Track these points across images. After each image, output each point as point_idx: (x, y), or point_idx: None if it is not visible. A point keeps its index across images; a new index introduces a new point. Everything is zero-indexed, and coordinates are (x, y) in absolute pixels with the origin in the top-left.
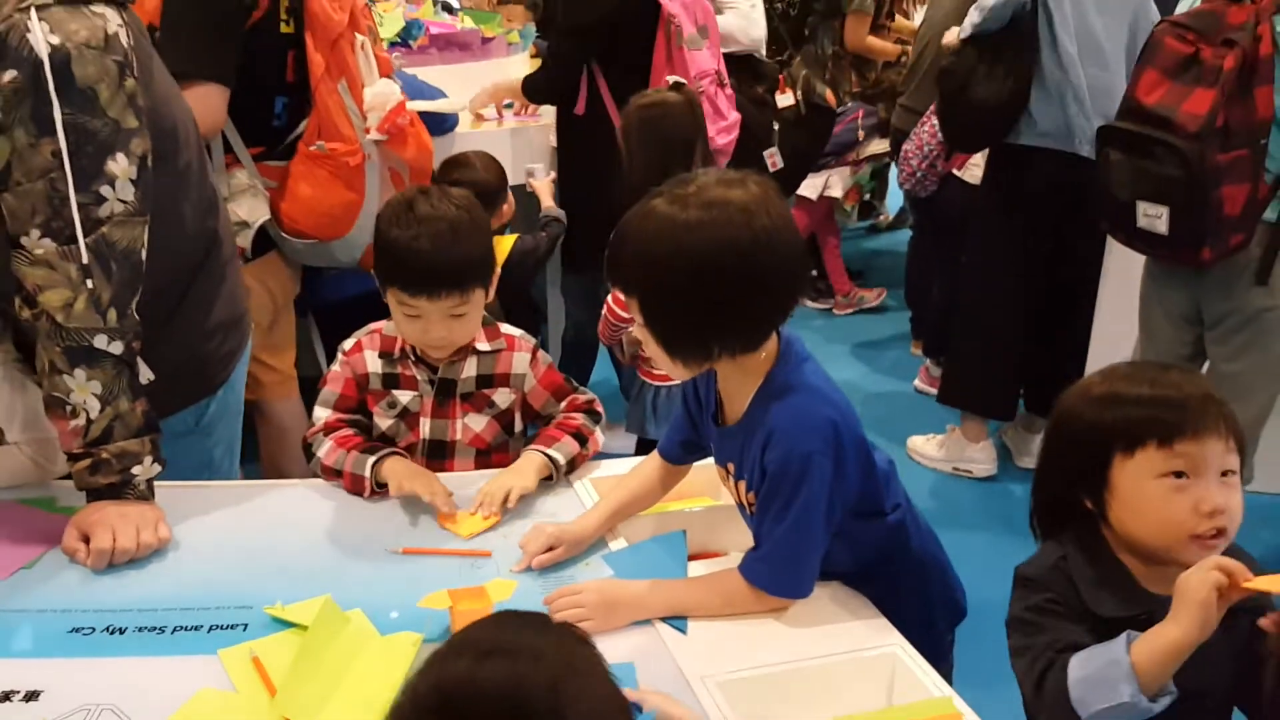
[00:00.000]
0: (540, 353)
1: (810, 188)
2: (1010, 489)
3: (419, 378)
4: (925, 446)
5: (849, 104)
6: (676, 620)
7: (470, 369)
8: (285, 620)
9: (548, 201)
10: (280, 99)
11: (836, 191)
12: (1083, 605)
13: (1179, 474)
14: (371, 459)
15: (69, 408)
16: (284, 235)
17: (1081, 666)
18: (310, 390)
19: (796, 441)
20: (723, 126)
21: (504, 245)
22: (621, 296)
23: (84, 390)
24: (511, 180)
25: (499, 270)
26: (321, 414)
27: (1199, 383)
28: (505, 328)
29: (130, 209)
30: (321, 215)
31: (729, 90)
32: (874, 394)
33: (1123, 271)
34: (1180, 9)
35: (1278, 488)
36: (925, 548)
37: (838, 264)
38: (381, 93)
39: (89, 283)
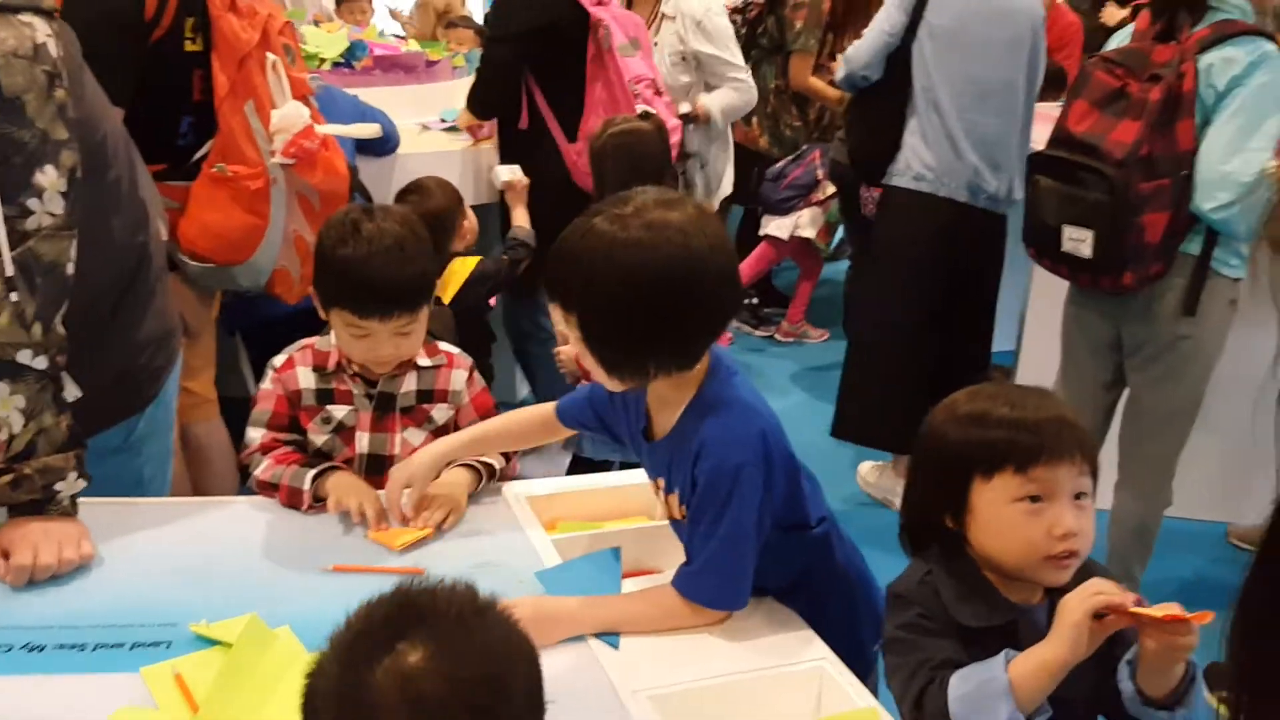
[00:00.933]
0: (476, 373)
1: (780, 228)
2: None
3: (355, 392)
4: (869, 473)
5: (805, 147)
6: (609, 635)
7: (410, 384)
8: (210, 638)
9: (521, 219)
10: (186, 118)
11: (808, 232)
12: (949, 618)
13: (1034, 498)
14: (312, 473)
15: None
16: (182, 257)
17: (961, 684)
18: (238, 410)
19: (728, 454)
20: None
21: (466, 266)
22: (560, 314)
23: (6, 405)
24: (468, 200)
25: (456, 295)
26: (255, 434)
27: (1054, 406)
28: (444, 345)
29: (58, 223)
30: (221, 239)
31: (666, 98)
32: (815, 420)
33: (1048, 299)
34: (1110, 46)
35: (1198, 513)
36: (850, 561)
37: (805, 296)
38: (288, 115)
39: (13, 297)
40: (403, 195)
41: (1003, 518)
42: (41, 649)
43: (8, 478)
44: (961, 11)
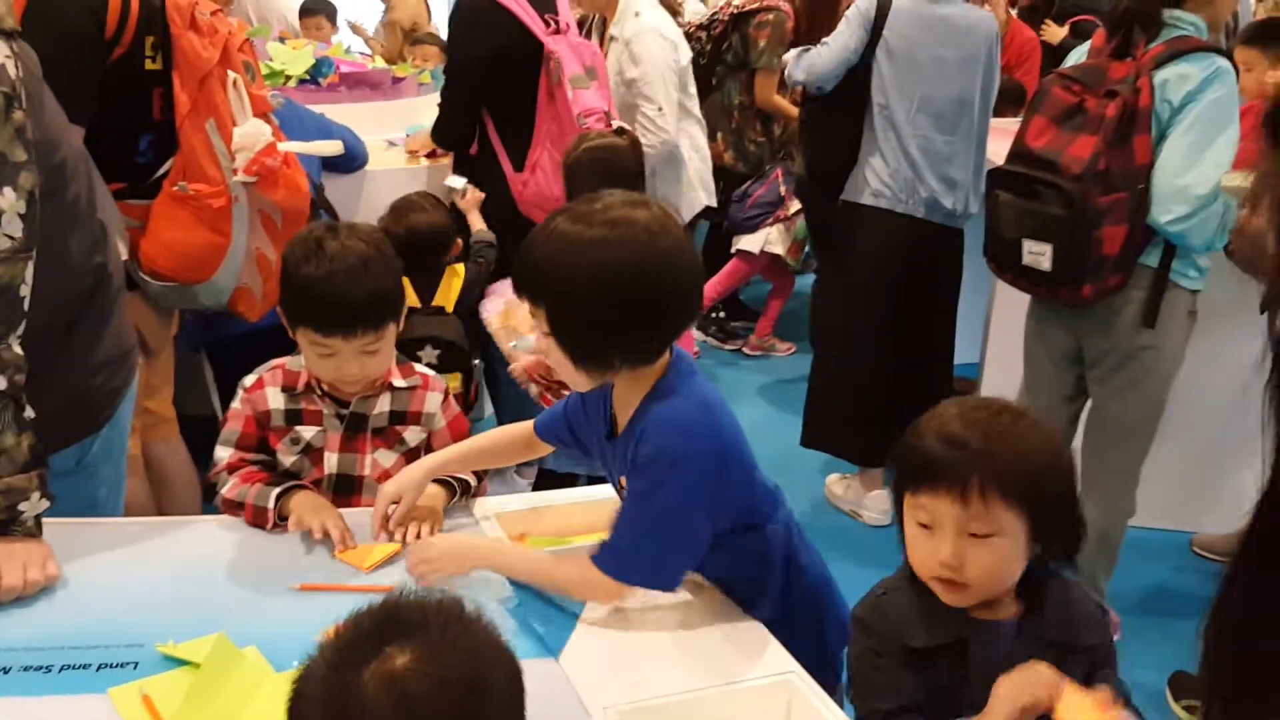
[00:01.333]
0: (451, 398)
1: (751, 243)
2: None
3: (325, 412)
4: (836, 485)
5: (768, 166)
6: (549, 647)
7: (384, 404)
8: (178, 658)
9: (478, 224)
10: (145, 136)
11: (778, 248)
12: (900, 640)
13: (924, 525)
14: (276, 491)
15: None
16: (143, 276)
17: None
18: (202, 428)
19: (666, 439)
20: None
21: (459, 274)
22: (529, 307)
23: None
24: None
25: (455, 303)
26: (223, 453)
27: (982, 435)
28: (419, 367)
29: (16, 245)
30: (183, 257)
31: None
32: (783, 432)
33: (1010, 312)
34: (1068, 63)
35: (1162, 522)
36: (813, 565)
37: (775, 311)
38: (250, 133)
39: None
40: (398, 213)
41: (909, 532)
42: (7, 671)
43: None
44: (915, 31)
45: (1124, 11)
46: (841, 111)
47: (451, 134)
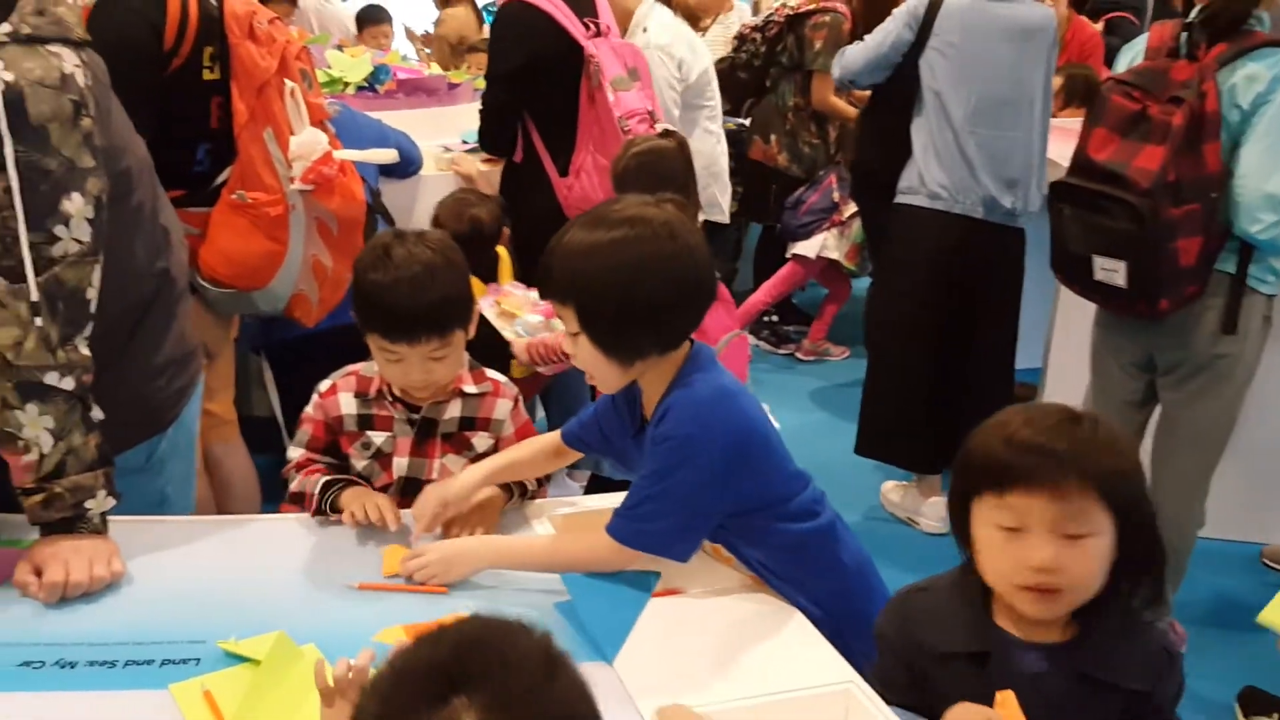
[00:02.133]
0: (520, 403)
1: (807, 248)
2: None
3: (396, 417)
4: (892, 492)
5: (820, 172)
6: (605, 650)
7: (454, 410)
8: (238, 655)
9: (489, 190)
10: (203, 145)
11: (835, 254)
12: (914, 649)
13: (1012, 528)
14: (324, 479)
15: (21, 443)
16: (202, 282)
17: None
18: (262, 429)
19: (683, 421)
20: None
21: (506, 264)
22: (555, 309)
23: (36, 425)
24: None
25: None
26: (294, 453)
27: (1072, 434)
28: (491, 373)
29: (84, 249)
30: (240, 265)
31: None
32: (837, 438)
33: (1074, 315)
34: (1119, 66)
35: (1230, 533)
36: (859, 556)
37: (830, 315)
38: (306, 142)
39: (38, 321)
40: (453, 212)
41: (985, 539)
42: (73, 666)
43: (39, 497)
44: (971, 27)
45: (1213, 14)
46: (900, 112)
47: (494, 138)
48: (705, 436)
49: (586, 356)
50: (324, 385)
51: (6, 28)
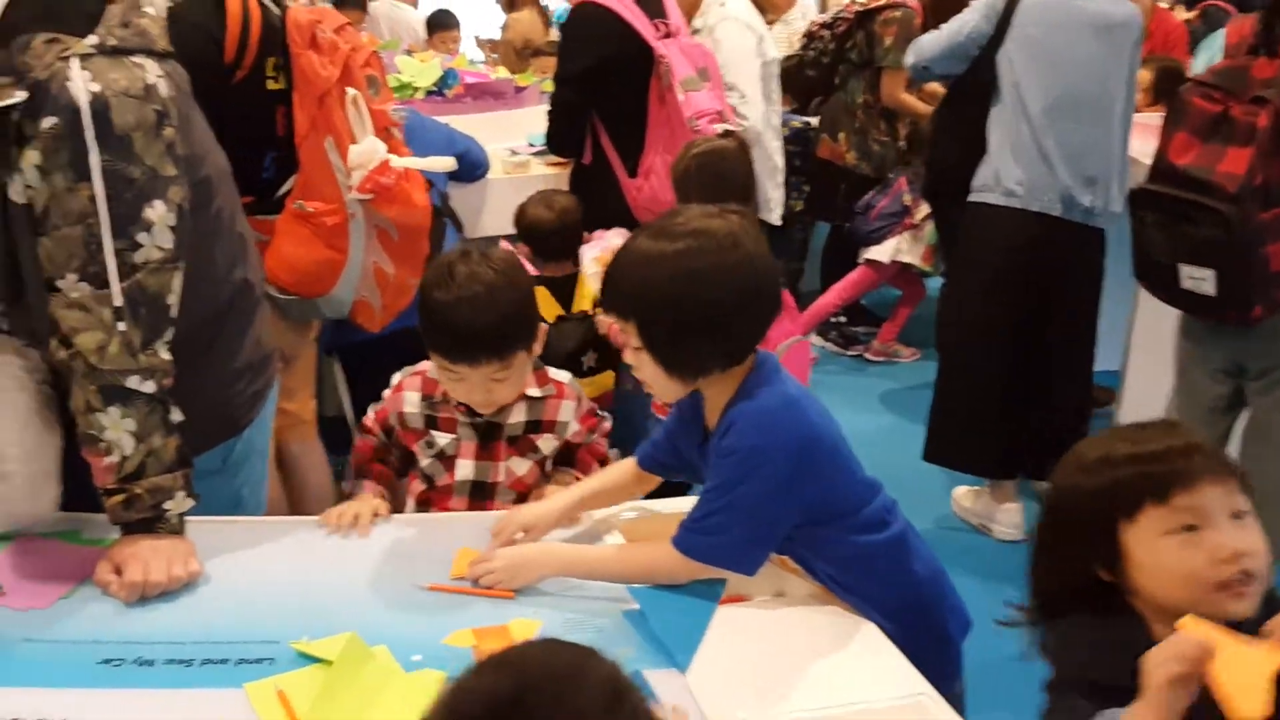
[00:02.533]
0: (585, 400)
1: (879, 253)
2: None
3: (460, 420)
4: (965, 498)
5: (890, 175)
6: (678, 658)
7: (519, 414)
8: (311, 655)
9: None
10: (269, 154)
11: (909, 257)
12: (1082, 675)
13: (1188, 527)
14: (350, 483)
15: (103, 444)
16: (269, 289)
17: None
18: (335, 429)
19: (748, 432)
20: None
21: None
22: (617, 325)
23: (118, 428)
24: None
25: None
26: (369, 414)
27: (1180, 433)
28: (554, 373)
29: (166, 256)
30: (302, 273)
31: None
32: (908, 442)
33: (1155, 316)
34: (1198, 63)
35: None
36: (924, 553)
37: (903, 318)
38: (364, 151)
39: (121, 326)
40: (544, 203)
41: (1158, 555)
42: (151, 663)
43: (120, 497)
44: (1052, 20)
45: None
46: (977, 108)
47: (562, 138)
48: (771, 447)
49: (648, 372)
50: (395, 378)
51: (93, 39)
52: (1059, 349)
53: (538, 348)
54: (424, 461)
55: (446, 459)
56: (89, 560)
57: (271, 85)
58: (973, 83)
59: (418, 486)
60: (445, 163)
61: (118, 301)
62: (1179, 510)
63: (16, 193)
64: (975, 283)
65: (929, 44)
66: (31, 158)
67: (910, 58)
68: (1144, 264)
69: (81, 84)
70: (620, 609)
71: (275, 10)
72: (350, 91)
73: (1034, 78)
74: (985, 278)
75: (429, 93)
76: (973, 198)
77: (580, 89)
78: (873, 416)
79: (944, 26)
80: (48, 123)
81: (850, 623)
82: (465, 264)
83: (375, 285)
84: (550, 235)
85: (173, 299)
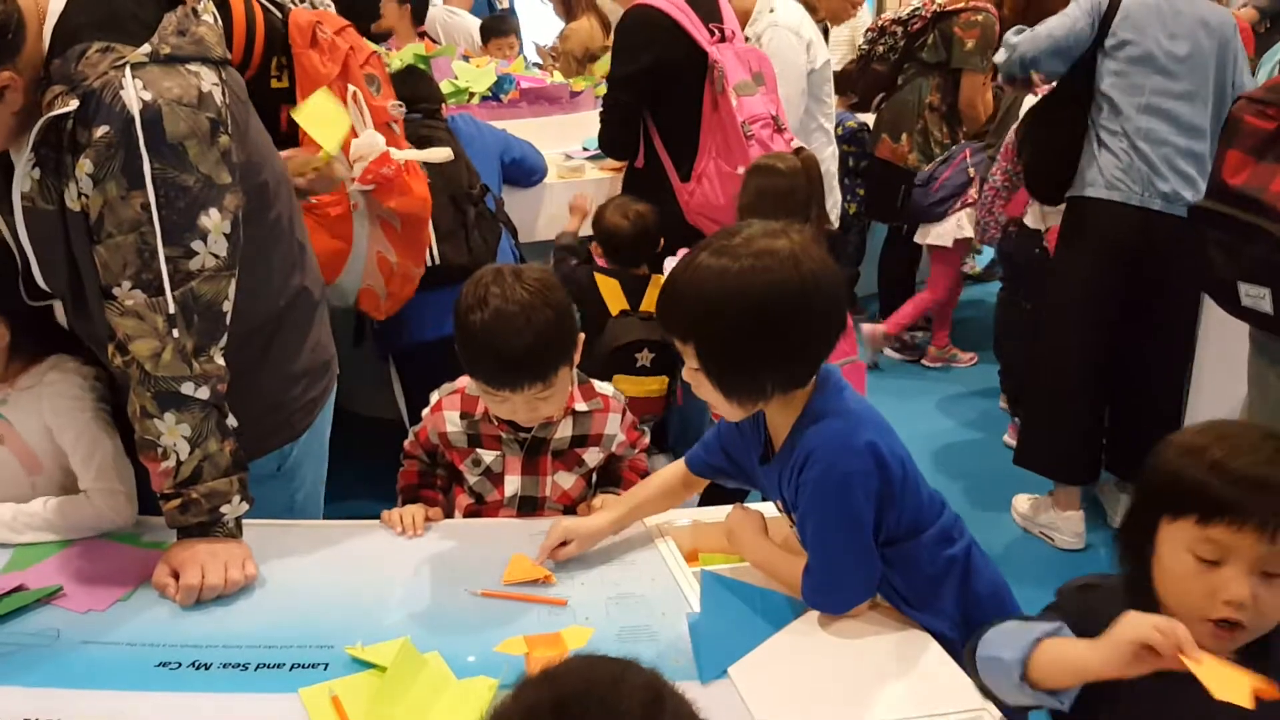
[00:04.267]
0: (629, 414)
1: (941, 235)
2: (1097, 556)
3: (502, 437)
4: (1024, 504)
5: (954, 147)
6: (715, 668)
7: (565, 429)
8: (365, 661)
9: (573, 225)
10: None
11: (968, 230)
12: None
13: (1210, 560)
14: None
15: (160, 450)
16: None
17: (1005, 624)
18: (391, 432)
19: (834, 462)
20: None
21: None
22: (676, 345)
23: (174, 433)
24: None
25: None
26: (409, 439)
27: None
28: (600, 385)
29: (220, 264)
30: None
31: (787, 135)
32: (964, 447)
33: (1223, 324)
34: (1260, 76)
35: None
36: (988, 570)
37: (946, 320)
38: (365, 143)
39: (175, 333)
40: (619, 208)
41: (1176, 562)
42: (208, 667)
43: (176, 502)
44: (1149, 20)
45: None
46: (1075, 109)
47: (615, 140)
48: (853, 468)
49: (707, 392)
50: (434, 397)
51: (146, 49)
52: (1157, 345)
53: (577, 356)
54: (472, 479)
55: (494, 476)
56: (147, 563)
57: (275, 84)
58: (1068, 83)
59: (465, 500)
60: (441, 154)
61: (171, 309)
62: (1211, 542)
63: (72, 200)
64: (1075, 277)
65: (1033, 41)
66: (85, 166)
67: (1011, 55)
68: (1208, 279)
69: (134, 92)
70: (675, 619)
71: (277, 14)
72: (350, 88)
73: (1132, 78)
74: (1085, 271)
75: (484, 98)
76: (1072, 193)
77: (633, 91)
78: (932, 422)
79: (1044, 25)
80: (100, 131)
81: (909, 635)
82: (499, 285)
83: (379, 273)
84: (625, 243)
85: (227, 305)
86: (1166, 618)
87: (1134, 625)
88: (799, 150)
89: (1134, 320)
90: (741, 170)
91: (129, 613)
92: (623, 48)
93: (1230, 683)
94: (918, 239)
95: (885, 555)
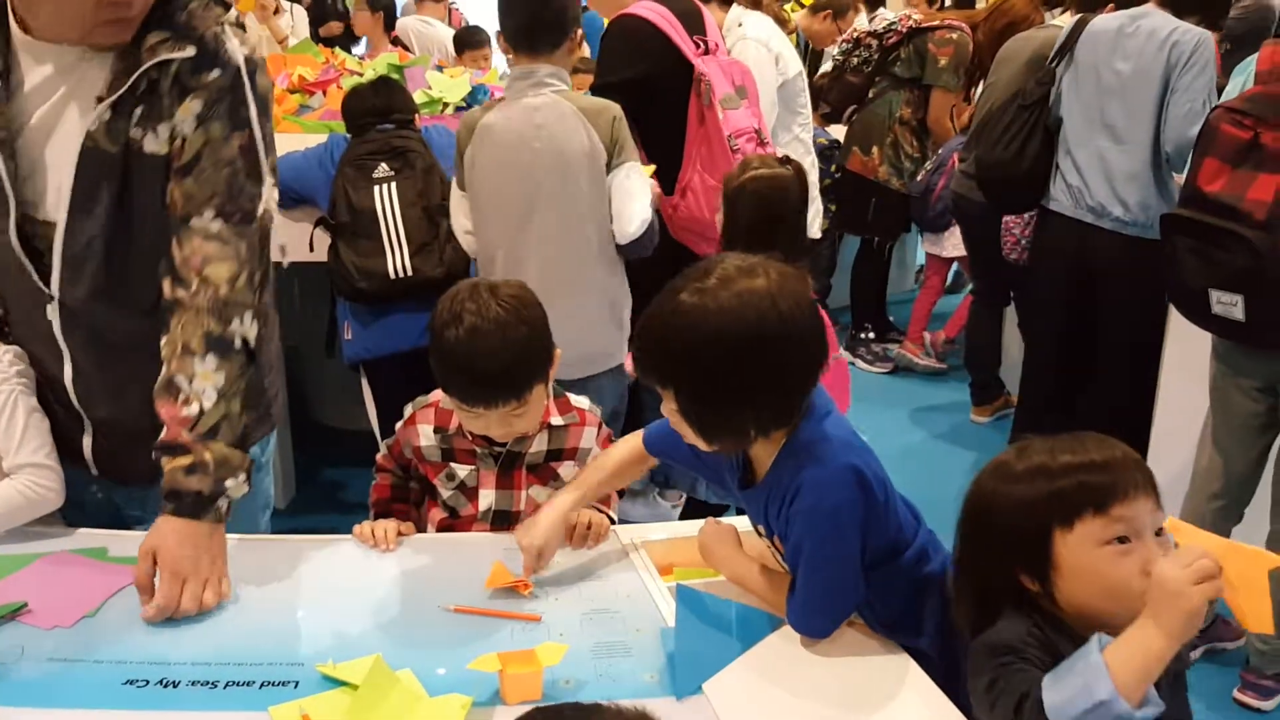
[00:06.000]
0: (604, 427)
1: (937, 246)
2: None
3: (477, 452)
4: None
5: (941, 152)
6: (688, 685)
7: (540, 444)
8: (336, 678)
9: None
10: None
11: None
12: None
13: (1121, 539)
14: (375, 513)
15: (184, 395)
16: None
17: (1053, 677)
18: (362, 444)
19: (824, 494)
20: None
21: None
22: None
23: (207, 379)
24: None
25: None
26: (381, 452)
27: (1116, 445)
28: (575, 399)
29: (272, 212)
30: None
31: (770, 148)
32: (936, 458)
33: (1185, 335)
34: (1231, 89)
35: None
36: None
37: (924, 314)
38: None
39: (250, 262)
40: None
41: (1093, 564)
42: (176, 685)
43: (184, 460)
44: (1093, 43)
45: None
46: (1024, 127)
47: None
48: (840, 500)
49: (688, 434)
50: (408, 411)
51: (233, 14)
52: (1109, 359)
53: (553, 373)
54: (446, 493)
55: (468, 490)
56: (116, 578)
57: None
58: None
59: (438, 514)
60: None
61: (254, 239)
62: (1115, 521)
63: (156, 144)
64: (1034, 287)
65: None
66: (193, 108)
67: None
68: (1176, 288)
69: (237, 45)
70: (650, 634)
71: None
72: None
73: (1071, 96)
74: (1038, 281)
75: (459, 108)
76: (1044, 203)
77: (619, 99)
78: (904, 435)
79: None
80: (212, 75)
81: (884, 653)
82: (474, 301)
83: None
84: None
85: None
86: (1186, 560)
87: (1191, 590)
88: (786, 160)
89: (1086, 333)
90: None
91: (96, 629)
92: (610, 55)
93: (1261, 611)
94: (925, 247)
95: (867, 579)
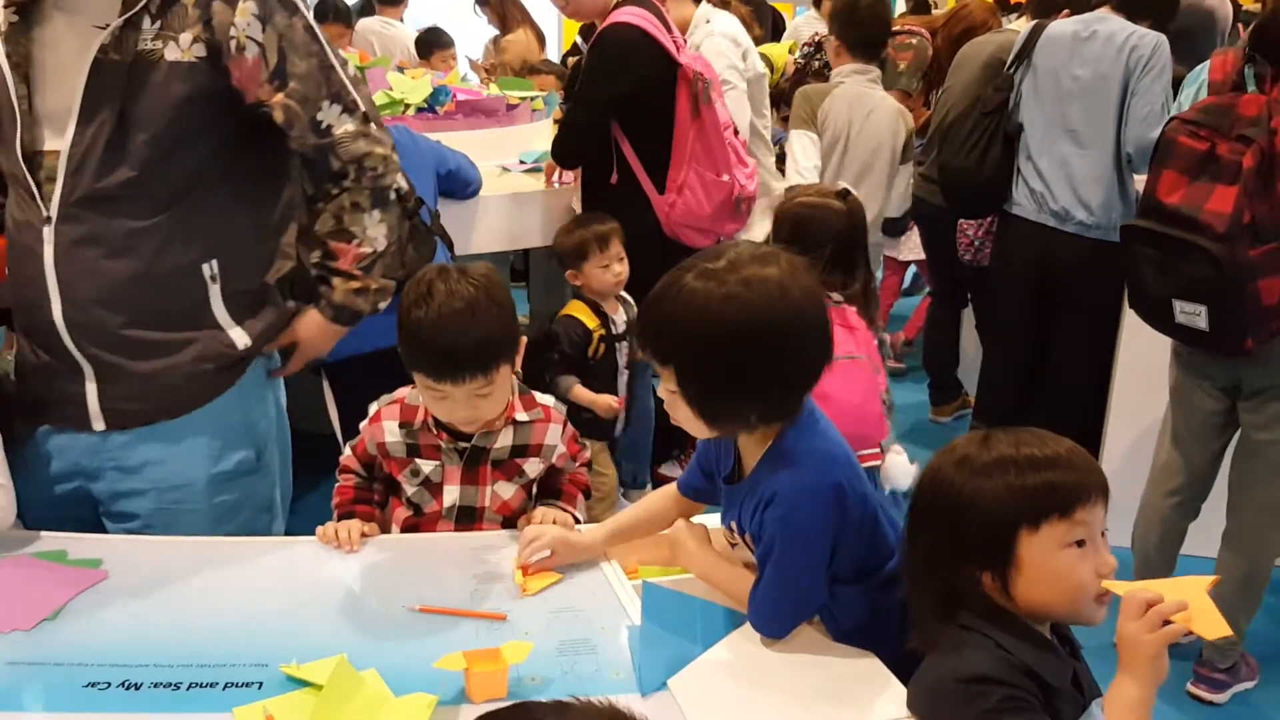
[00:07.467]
0: (569, 426)
1: (896, 249)
2: None
3: (443, 446)
4: None
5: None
6: (643, 683)
7: (505, 439)
8: (300, 679)
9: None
10: None
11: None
12: (1032, 688)
13: (1080, 542)
14: (338, 514)
15: (358, 239)
16: None
17: None
18: (323, 447)
19: (799, 505)
20: (748, 173)
21: None
22: (653, 365)
23: (377, 227)
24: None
25: None
26: (345, 453)
27: (1062, 441)
28: (541, 397)
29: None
30: None
31: (742, 138)
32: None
33: (1139, 333)
34: (1183, 99)
35: None
36: None
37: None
38: None
39: (381, 136)
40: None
41: (1054, 566)
42: (138, 687)
43: (355, 284)
44: (1050, 48)
45: (1264, 41)
46: (986, 132)
47: (570, 153)
48: (813, 513)
49: (683, 415)
50: (372, 409)
51: None
52: (1066, 361)
53: (518, 361)
54: (410, 490)
55: (433, 486)
56: (75, 581)
57: None
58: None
59: (402, 513)
60: None
61: (366, 111)
62: (1077, 525)
63: (179, 51)
64: (997, 290)
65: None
66: (249, 9)
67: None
68: (1139, 296)
69: None
70: (615, 632)
71: None
72: None
73: (1033, 99)
74: (1000, 283)
75: (420, 109)
76: (1005, 205)
77: (597, 112)
78: None
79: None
80: None
81: (850, 650)
82: (444, 281)
83: None
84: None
85: None
86: (1140, 609)
87: (1148, 641)
88: (844, 194)
89: (1044, 335)
90: (726, 177)
91: (55, 631)
92: (606, 68)
93: (1213, 620)
94: (889, 249)
95: (831, 592)
